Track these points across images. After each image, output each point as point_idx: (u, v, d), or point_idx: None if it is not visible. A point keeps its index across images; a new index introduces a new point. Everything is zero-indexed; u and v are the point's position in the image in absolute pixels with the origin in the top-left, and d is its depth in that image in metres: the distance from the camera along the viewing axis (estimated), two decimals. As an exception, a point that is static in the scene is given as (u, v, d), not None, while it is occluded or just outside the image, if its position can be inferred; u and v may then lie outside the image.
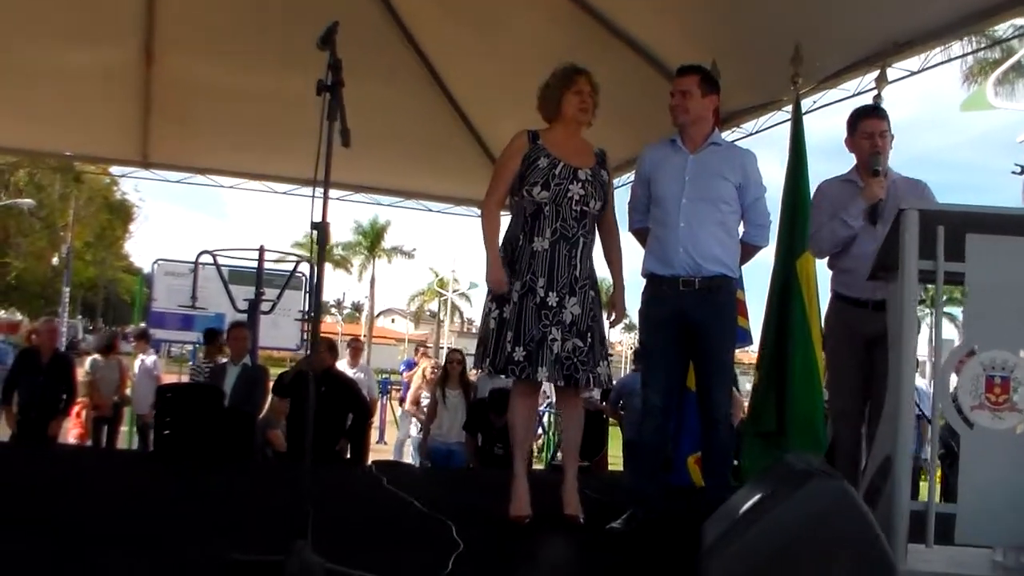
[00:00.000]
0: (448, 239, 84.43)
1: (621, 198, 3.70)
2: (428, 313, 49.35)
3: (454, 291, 41.54)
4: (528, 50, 5.94)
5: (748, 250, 3.55)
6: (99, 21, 6.37)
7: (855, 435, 3.42)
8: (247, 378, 6.14)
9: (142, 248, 74.22)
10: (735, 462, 4.56)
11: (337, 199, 8.53)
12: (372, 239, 40.45)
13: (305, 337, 9.39)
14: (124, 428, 8.98)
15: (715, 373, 3.39)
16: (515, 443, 3.37)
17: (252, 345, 6.65)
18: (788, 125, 4.99)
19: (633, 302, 3.54)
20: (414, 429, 9.13)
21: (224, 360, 6.71)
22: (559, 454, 4.84)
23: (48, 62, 6.63)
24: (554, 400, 8.14)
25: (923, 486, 5.49)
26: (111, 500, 3.47)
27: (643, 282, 3.48)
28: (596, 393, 6.70)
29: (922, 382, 6.20)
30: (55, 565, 2.35)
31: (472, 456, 6.46)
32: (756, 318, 4.89)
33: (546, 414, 9.82)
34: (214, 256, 8.39)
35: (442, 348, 27.33)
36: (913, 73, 4.88)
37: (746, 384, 8.22)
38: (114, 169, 10.56)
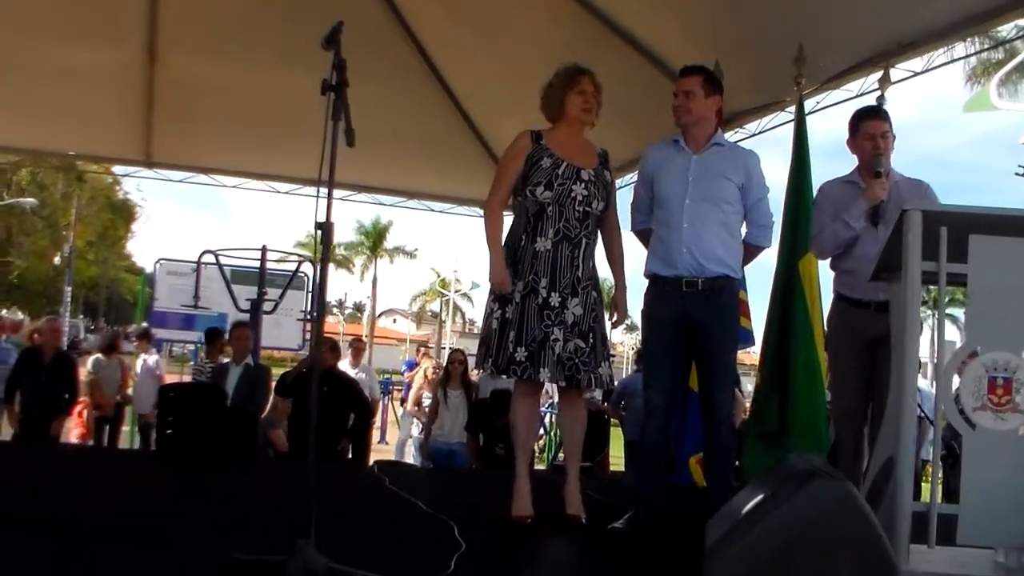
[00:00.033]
0: (450, 239, 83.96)
1: (623, 198, 3.71)
2: (430, 313, 49.30)
3: (456, 291, 41.52)
4: (530, 49, 5.95)
5: (750, 251, 3.56)
6: (102, 20, 6.38)
7: (857, 436, 3.42)
8: (249, 378, 6.14)
9: (144, 248, 74.19)
10: (737, 463, 4.56)
11: (340, 199, 8.44)
12: (374, 239, 40.43)
13: (307, 337, 9.39)
14: (126, 428, 8.99)
15: (717, 374, 3.38)
16: (517, 443, 3.37)
17: (254, 345, 6.65)
18: (791, 126, 4.98)
19: (635, 303, 3.55)
20: (415, 429, 9.13)
21: (226, 360, 6.72)
22: (561, 454, 4.83)
23: (51, 62, 6.64)
24: (556, 400, 8.13)
25: (924, 487, 5.48)
26: (113, 500, 3.47)
27: (645, 283, 3.48)
28: (598, 394, 6.70)
29: (924, 383, 6.19)
30: (56, 565, 2.35)
31: (474, 456, 6.45)
32: (758, 319, 4.91)
33: (548, 414, 9.81)
34: (216, 256, 8.41)
35: (444, 348, 27.42)
36: (916, 74, 4.87)
37: (748, 385, 8.24)
38: (117, 168, 10.57)
